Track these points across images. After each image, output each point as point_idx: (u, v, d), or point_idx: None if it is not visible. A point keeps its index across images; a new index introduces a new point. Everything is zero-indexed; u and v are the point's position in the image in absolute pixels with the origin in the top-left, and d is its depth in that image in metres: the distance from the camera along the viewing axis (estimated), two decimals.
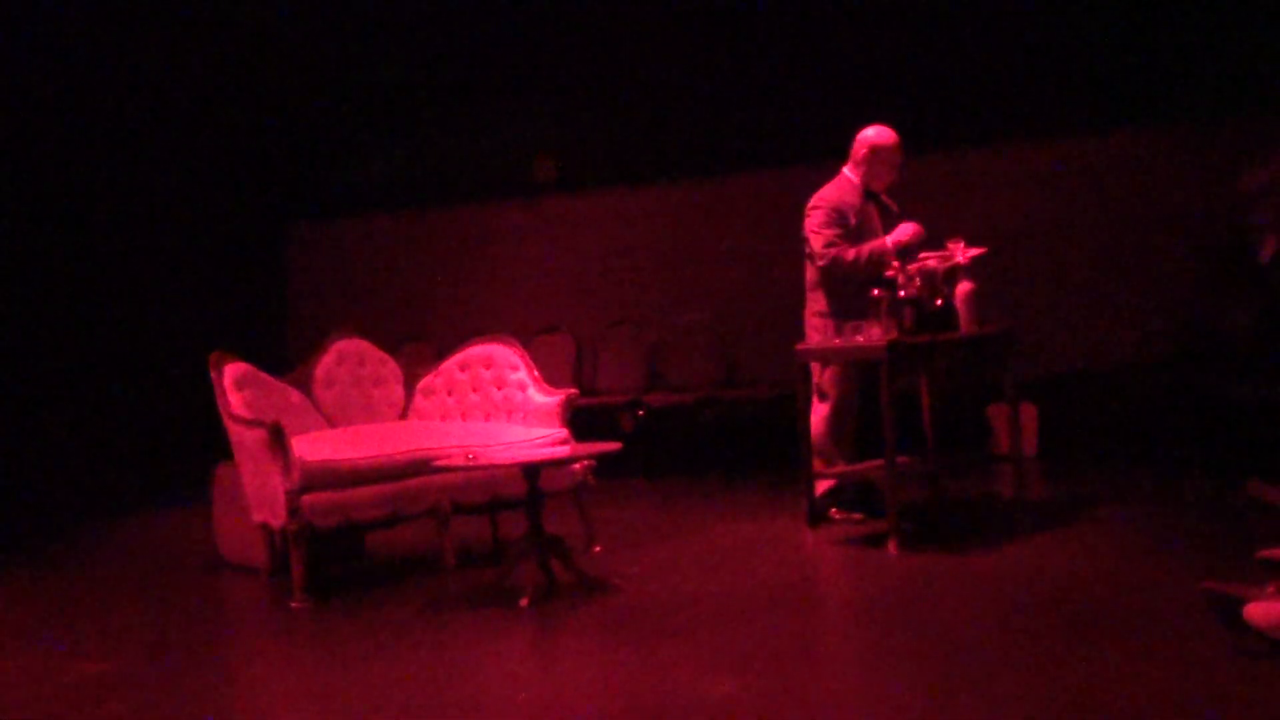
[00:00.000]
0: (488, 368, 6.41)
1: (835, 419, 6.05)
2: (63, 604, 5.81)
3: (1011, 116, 8.68)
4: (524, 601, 4.98)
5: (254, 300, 10.33)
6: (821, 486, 6.03)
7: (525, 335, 8.55)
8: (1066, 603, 4.50)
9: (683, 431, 8.78)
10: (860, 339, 5.59)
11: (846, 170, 6.20)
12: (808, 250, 6.15)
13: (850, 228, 6.04)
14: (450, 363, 6.55)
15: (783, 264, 8.69)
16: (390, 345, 6.97)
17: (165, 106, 9.50)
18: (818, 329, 6.08)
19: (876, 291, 5.64)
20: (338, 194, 10.58)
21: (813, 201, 6.11)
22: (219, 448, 5.89)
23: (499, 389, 6.34)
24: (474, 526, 6.32)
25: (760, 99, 9.19)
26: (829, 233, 6.02)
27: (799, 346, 5.88)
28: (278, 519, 5.41)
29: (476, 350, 6.50)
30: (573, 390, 6.23)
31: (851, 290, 6.00)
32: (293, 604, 5.32)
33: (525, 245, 10.05)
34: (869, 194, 6.17)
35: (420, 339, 9.56)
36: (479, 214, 10.19)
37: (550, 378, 6.44)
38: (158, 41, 9.12)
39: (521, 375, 6.29)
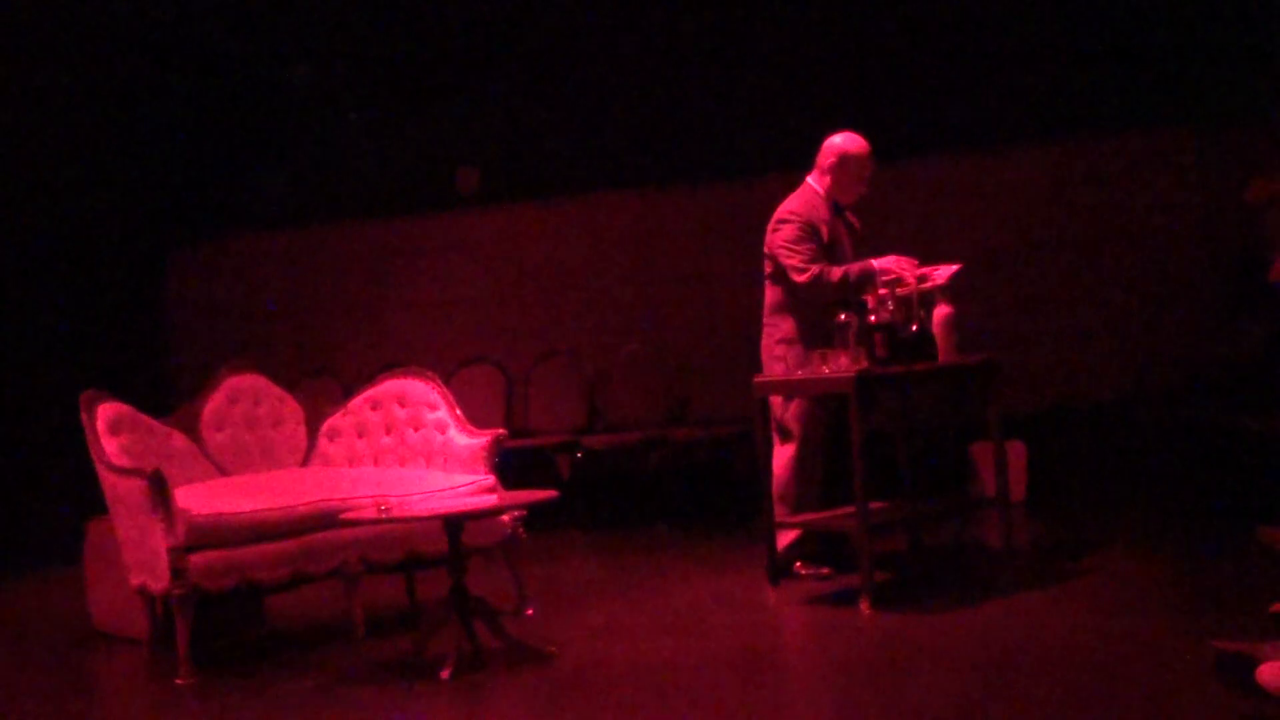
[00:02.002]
0: (403, 406, 6.38)
1: (800, 461, 6.07)
2: None
3: (996, 120, 8.80)
4: (445, 673, 4.94)
5: (131, 332, 10.21)
6: (785, 538, 6.04)
7: (445, 368, 8.53)
8: (1059, 666, 4.53)
9: (627, 477, 8.77)
10: (826, 369, 5.63)
11: (811, 180, 6.25)
12: (769, 270, 6.18)
13: (824, 243, 6.09)
14: (359, 400, 6.51)
15: (738, 286, 8.76)
16: (290, 381, 6.93)
17: (23, 118, 9.41)
18: (780, 358, 6.10)
19: (843, 316, 5.68)
20: (226, 211, 10.49)
21: (780, 214, 6.15)
22: (92, 501, 5.82)
23: (415, 430, 6.31)
24: (388, 588, 6.28)
25: (713, 104, 9.26)
26: (804, 248, 6.05)
27: (757, 379, 5.91)
28: (159, 582, 5.34)
29: (390, 386, 6.47)
30: (500, 431, 6.21)
31: (819, 313, 6.05)
32: (177, 679, 5.25)
33: (445, 266, 10.03)
34: (837, 208, 6.24)
35: (325, 374, 9.50)
36: (392, 231, 10.16)
37: (474, 417, 6.41)
38: (15, 43, 9.05)
39: (441, 414, 6.26)
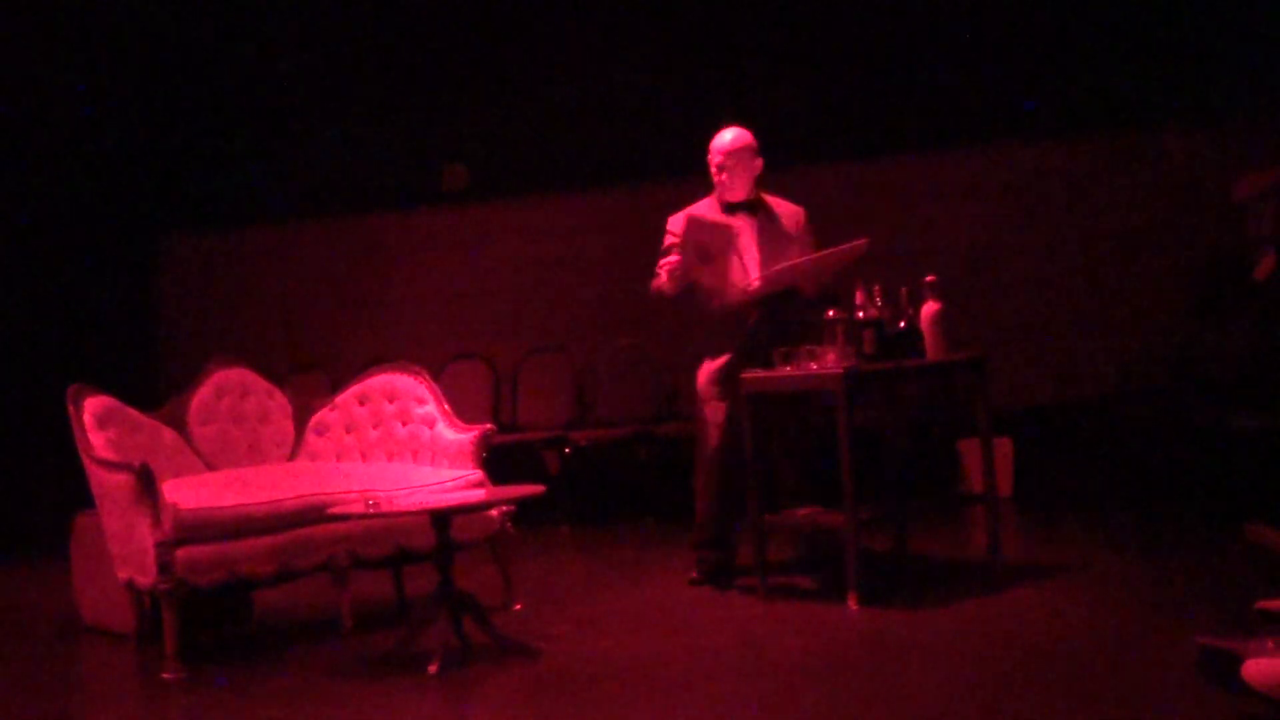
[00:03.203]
0: (391, 400, 6.38)
1: (704, 466, 6.11)
2: None
3: (981, 116, 8.82)
4: (433, 668, 4.94)
5: (118, 325, 10.18)
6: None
7: (434, 363, 8.52)
8: (1046, 662, 4.55)
9: (615, 472, 8.77)
10: (814, 366, 5.63)
11: None
12: None
13: (700, 249, 5.98)
14: (347, 395, 6.51)
15: None
16: (278, 375, 6.91)
17: (12, 109, 9.38)
18: (703, 372, 6.19)
19: (832, 312, 5.69)
20: (215, 202, 10.47)
21: (668, 219, 6.20)
22: (79, 494, 5.80)
23: (404, 425, 6.31)
24: (375, 583, 6.27)
25: (701, 99, 9.25)
26: (663, 260, 6.08)
27: (745, 375, 5.91)
28: (146, 576, 5.33)
29: (378, 380, 6.47)
30: (489, 426, 6.21)
31: (712, 325, 6.10)
32: (164, 674, 5.24)
33: (434, 261, 10.02)
34: (742, 206, 6.13)
35: (313, 368, 9.48)
36: (380, 225, 10.15)
37: (463, 412, 6.41)
38: (4, 30, 9.02)
39: (430, 409, 6.26)
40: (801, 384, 5.73)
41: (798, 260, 5.97)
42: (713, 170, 6.16)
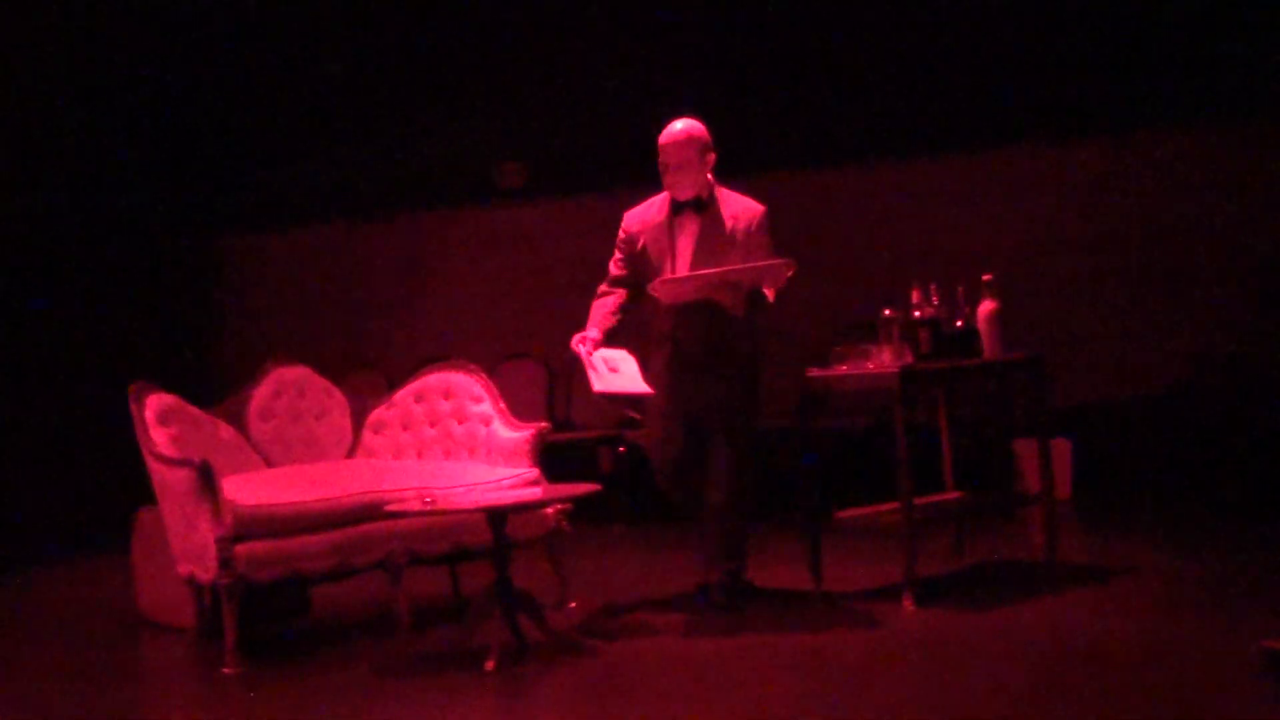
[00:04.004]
0: (447, 399, 6.41)
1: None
2: None
3: (1035, 114, 8.75)
4: (489, 664, 4.96)
5: (180, 323, 10.29)
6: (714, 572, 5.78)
7: (489, 362, 8.55)
8: (1104, 664, 4.51)
9: None
10: (870, 365, 5.61)
11: None
12: None
13: (636, 250, 5.82)
14: (404, 393, 6.54)
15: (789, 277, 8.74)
16: (335, 373, 6.96)
17: (74, 107, 9.49)
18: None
19: (888, 312, 5.66)
20: (273, 203, 10.56)
21: (625, 212, 6.02)
22: (141, 490, 5.87)
23: (460, 423, 6.33)
24: (432, 579, 6.30)
25: (752, 99, 9.23)
26: (612, 257, 5.96)
27: (807, 372, 5.88)
28: (207, 572, 5.39)
29: (434, 379, 6.50)
30: (544, 424, 6.22)
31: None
32: (224, 669, 5.29)
33: (489, 259, 10.06)
34: (689, 205, 5.77)
35: (369, 366, 9.55)
36: (436, 224, 10.20)
37: (518, 410, 6.43)
38: (68, 34, 9.13)
39: (485, 407, 6.28)
40: (859, 383, 5.71)
41: (701, 273, 5.59)
42: (659, 164, 5.78)
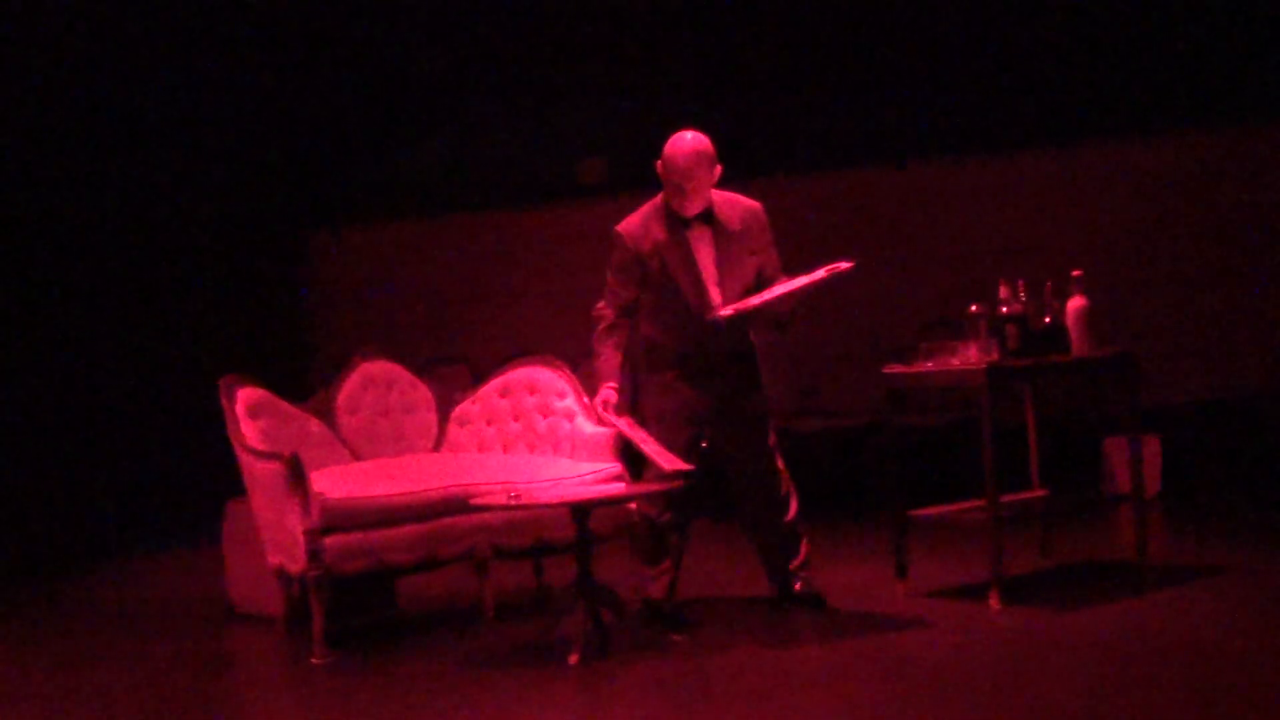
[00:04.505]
0: (532, 393, 6.43)
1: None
2: (58, 655, 5.89)
3: (1126, 108, 8.62)
4: (572, 658, 4.98)
5: (270, 318, 10.43)
6: (658, 586, 5.60)
7: (573, 356, 8.57)
8: (1194, 665, 4.44)
9: None
10: (956, 361, 5.55)
11: None
12: None
13: (648, 269, 5.50)
14: (489, 387, 6.57)
15: (866, 274, 8.67)
16: (421, 368, 7.02)
17: (170, 105, 9.65)
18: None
19: (975, 307, 5.60)
20: (362, 198, 10.68)
21: (615, 228, 5.62)
22: (231, 482, 5.95)
23: (544, 418, 6.35)
24: (516, 573, 6.34)
25: (838, 92, 9.19)
26: (613, 280, 5.58)
27: (888, 369, 5.84)
28: (295, 563, 5.45)
29: (519, 373, 6.53)
30: (627, 419, 6.22)
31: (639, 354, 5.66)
32: (312, 659, 5.35)
33: (572, 256, 10.09)
34: (700, 216, 5.52)
35: (455, 361, 9.60)
36: (521, 220, 10.25)
37: None
38: (158, 33, 9.29)
39: (569, 402, 6.30)
40: (943, 380, 5.66)
41: (779, 292, 5.37)
42: (664, 180, 5.50)
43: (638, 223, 5.58)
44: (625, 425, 5.47)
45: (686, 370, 5.57)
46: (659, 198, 5.60)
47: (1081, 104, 8.68)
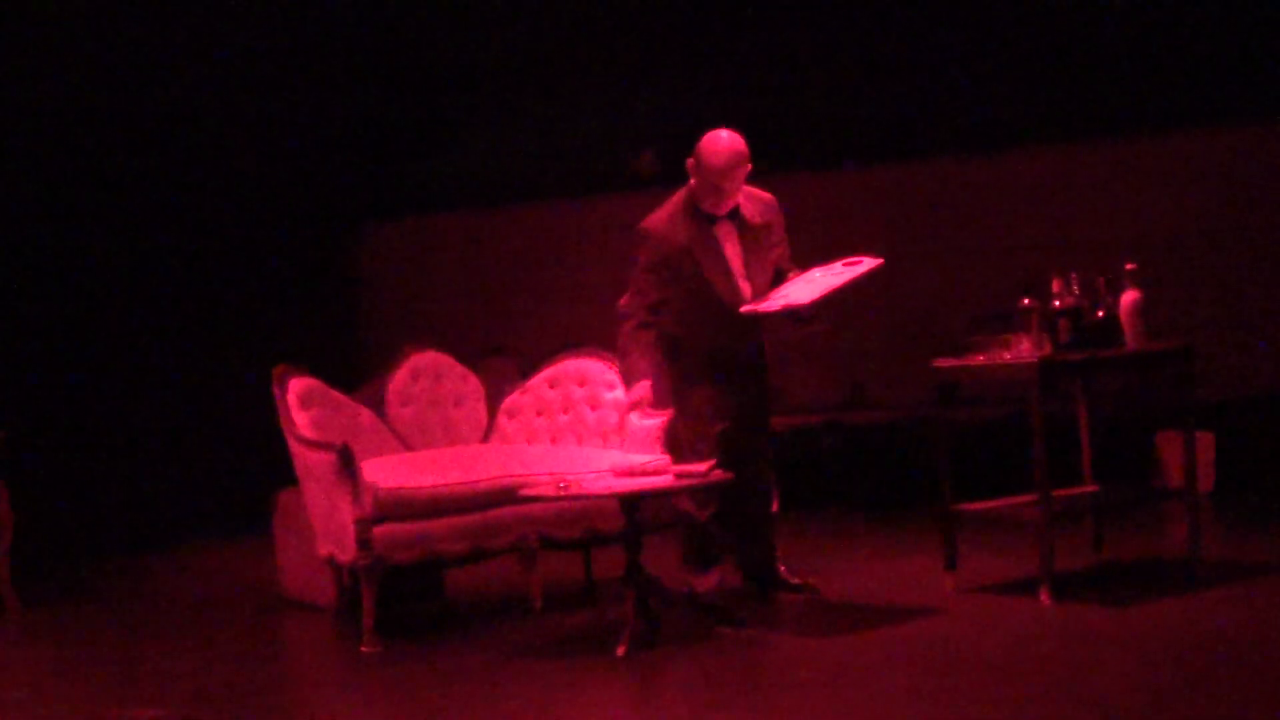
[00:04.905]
0: (581, 385, 6.44)
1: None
2: (111, 642, 5.96)
3: (1184, 99, 8.52)
4: (620, 650, 4.98)
5: (321, 309, 10.48)
6: (707, 580, 5.67)
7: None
8: (1246, 665, 4.39)
9: (802, 459, 8.72)
10: (1007, 355, 5.52)
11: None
12: None
13: (678, 268, 5.49)
14: (539, 379, 6.59)
15: (917, 267, 8.64)
16: (471, 359, 7.04)
17: (221, 96, 9.72)
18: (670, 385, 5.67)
19: (1027, 301, 5.56)
20: (414, 190, 10.72)
21: (641, 226, 5.61)
22: (282, 472, 5.99)
23: (593, 409, 6.36)
24: (565, 564, 6.35)
25: (886, 83, 9.13)
26: (643, 279, 5.53)
27: (937, 362, 5.81)
28: (346, 552, 5.49)
29: (568, 365, 6.54)
30: (661, 417, 6.22)
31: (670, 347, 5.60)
32: (362, 647, 5.39)
33: (621, 248, 10.04)
34: (722, 216, 5.55)
35: (505, 352, 9.62)
36: (572, 211, 10.25)
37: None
38: (215, 24, 9.36)
39: (618, 394, 6.30)
40: (994, 373, 5.63)
41: (827, 289, 5.38)
42: (698, 177, 5.51)
43: (665, 220, 5.59)
44: (658, 424, 5.58)
45: (716, 367, 5.60)
46: (681, 194, 5.64)
47: (1139, 95, 8.58)
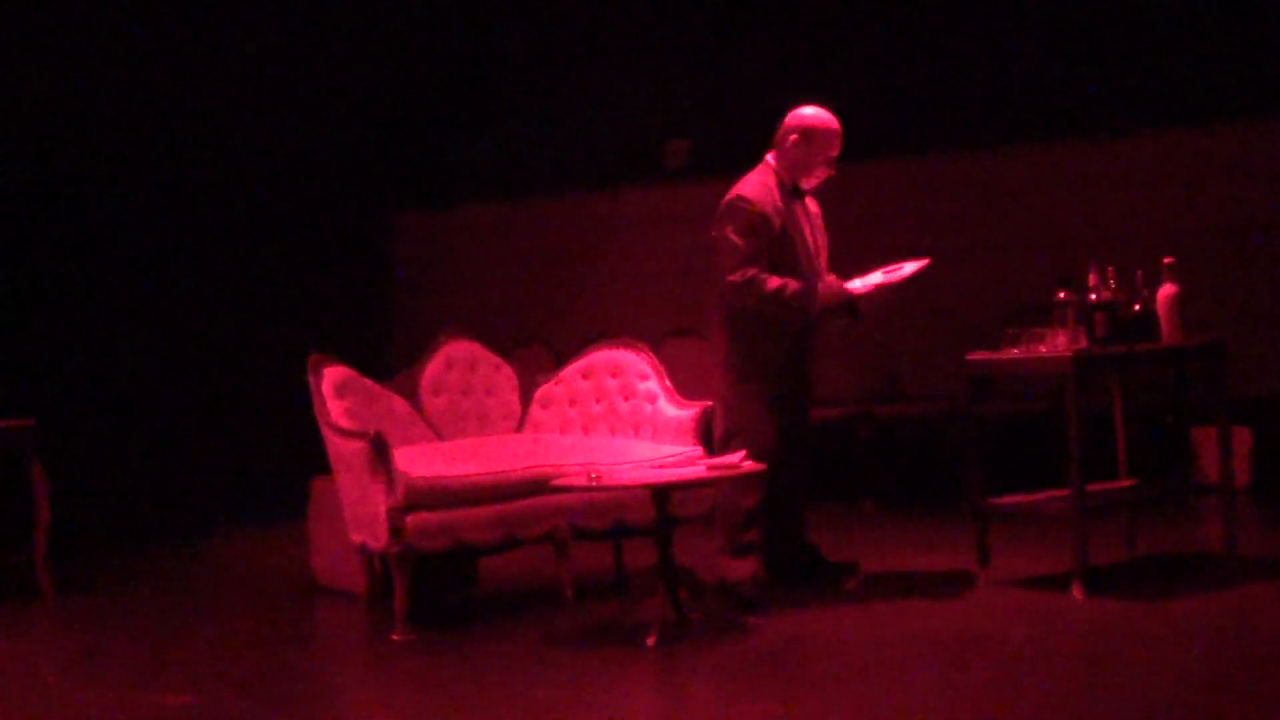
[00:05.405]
0: (614, 376, 6.44)
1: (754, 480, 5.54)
2: (144, 628, 6.00)
3: (1222, 92, 8.44)
4: (650, 640, 4.99)
5: (356, 298, 10.54)
6: (741, 569, 5.57)
7: (655, 339, 8.57)
8: None
9: (835, 451, 8.69)
10: (1043, 348, 5.48)
11: (769, 157, 5.72)
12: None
13: (774, 236, 5.52)
14: (572, 369, 6.59)
15: (949, 260, 8.58)
16: (504, 348, 7.05)
17: (255, 86, 9.76)
18: (724, 391, 5.63)
19: (1063, 294, 5.52)
20: (447, 180, 10.75)
21: (730, 196, 5.61)
22: (316, 460, 6.02)
23: (626, 400, 6.36)
24: (596, 554, 6.35)
25: (922, 75, 9.09)
26: (748, 244, 5.47)
27: (970, 356, 5.78)
28: (378, 541, 5.50)
29: (601, 355, 6.53)
30: (708, 403, 6.21)
31: (756, 330, 5.56)
32: (394, 635, 5.40)
33: (655, 237, 10.08)
34: (795, 192, 5.67)
35: (538, 342, 9.64)
36: (604, 202, 10.26)
37: (683, 388, 6.43)
38: (251, 12, 9.40)
39: (651, 385, 6.30)
40: (1030, 367, 5.60)
41: (890, 281, 5.57)
42: (803, 151, 5.61)
43: (760, 189, 5.63)
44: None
45: (783, 350, 5.64)
46: (766, 169, 5.70)
47: (1178, 87, 8.51)
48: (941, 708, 4.12)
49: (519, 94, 10.38)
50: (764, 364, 5.60)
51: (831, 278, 5.69)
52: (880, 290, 5.58)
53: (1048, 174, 8.93)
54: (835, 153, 5.64)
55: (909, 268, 5.60)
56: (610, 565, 6.31)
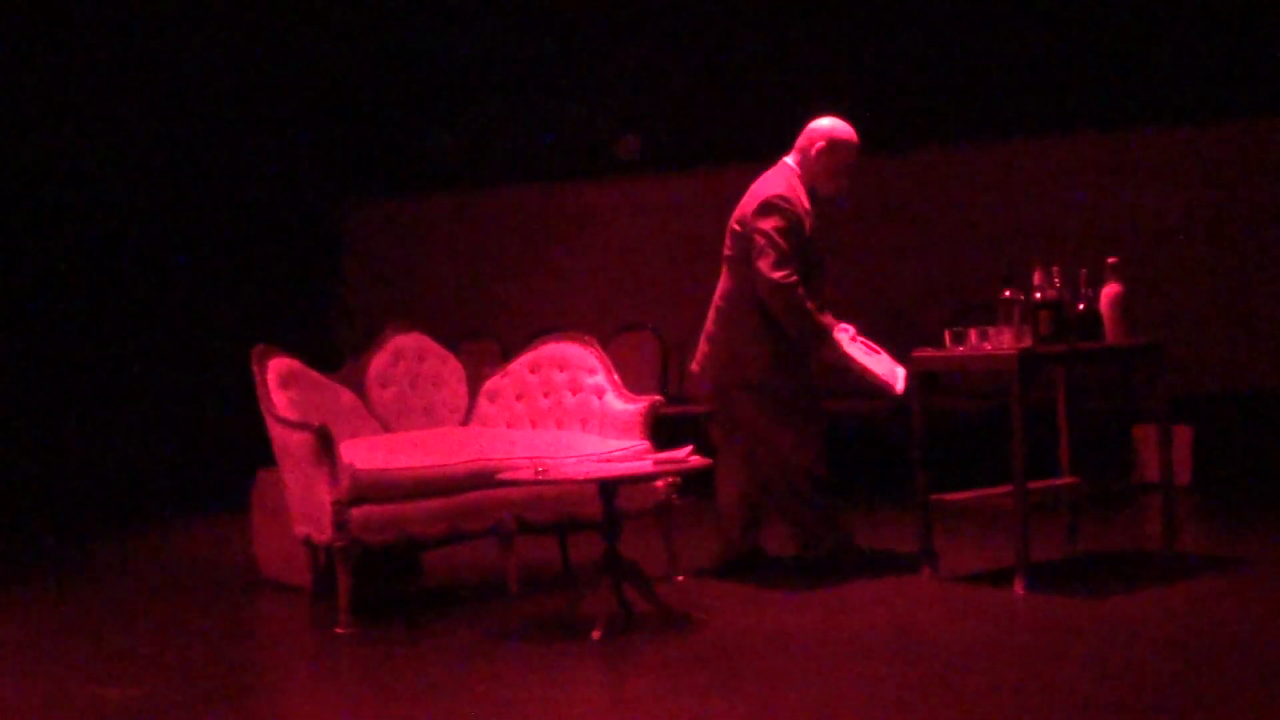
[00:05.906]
0: (562, 370, 6.43)
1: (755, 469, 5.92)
2: (83, 620, 5.94)
3: (1168, 95, 8.54)
4: (596, 634, 4.99)
5: (301, 288, 10.47)
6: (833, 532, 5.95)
7: (604, 334, 8.58)
8: (1221, 657, 4.41)
9: None
10: (988, 346, 5.52)
11: (790, 161, 5.91)
12: (729, 253, 5.92)
13: (805, 238, 5.76)
14: (519, 363, 6.58)
15: (890, 258, 8.65)
16: (452, 341, 7.03)
17: (200, 72, 9.68)
18: (760, 359, 5.83)
19: (1008, 293, 5.57)
20: (395, 170, 10.69)
21: (768, 195, 5.75)
22: (261, 452, 5.98)
23: (573, 394, 6.35)
24: (542, 548, 6.35)
25: (869, 73, 9.12)
26: (788, 243, 5.69)
27: (916, 353, 5.82)
28: (323, 533, 5.48)
29: (549, 349, 6.53)
30: (657, 397, 6.23)
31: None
32: (337, 629, 5.38)
33: (605, 232, 10.08)
34: (813, 198, 5.87)
35: (485, 335, 9.63)
36: (554, 195, 10.24)
37: (631, 383, 6.44)
38: (196, 4, 9.32)
39: (599, 379, 6.30)
40: (976, 365, 5.64)
41: (864, 367, 5.86)
42: (826, 160, 5.82)
43: (789, 190, 5.79)
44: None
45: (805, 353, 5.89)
46: (790, 172, 5.86)
47: (1124, 89, 8.60)
48: (883, 702, 4.14)
49: (472, 87, 10.34)
50: (784, 360, 5.87)
51: (842, 335, 5.85)
52: (851, 361, 5.80)
53: (995, 173, 9.00)
54: (854, 164, 5.87)
55: (884, 372, 5.81)
56: (556, 559, 6.31)
